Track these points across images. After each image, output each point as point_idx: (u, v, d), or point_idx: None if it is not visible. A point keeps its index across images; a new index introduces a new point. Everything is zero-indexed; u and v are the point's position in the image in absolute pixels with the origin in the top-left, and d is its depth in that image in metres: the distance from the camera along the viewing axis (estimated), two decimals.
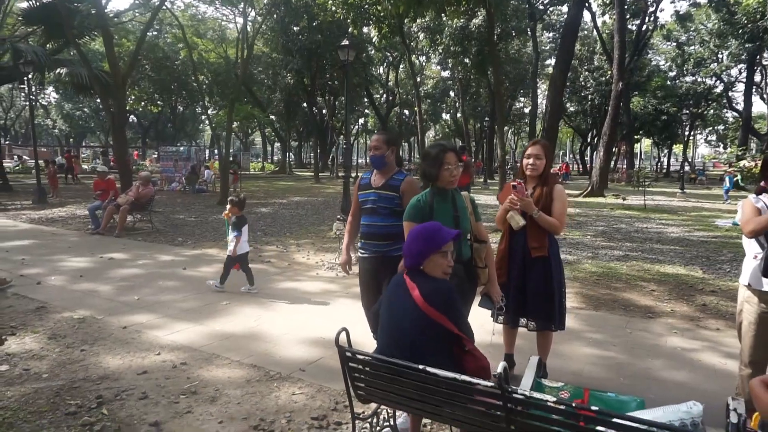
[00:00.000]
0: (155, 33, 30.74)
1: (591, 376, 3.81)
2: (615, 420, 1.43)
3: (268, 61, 37.99)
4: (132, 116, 45.79)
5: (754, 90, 37.79)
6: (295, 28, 31.95)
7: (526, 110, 48.45)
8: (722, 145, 57.76)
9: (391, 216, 3.36)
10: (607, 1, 29.85)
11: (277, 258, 8.01)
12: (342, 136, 33.64)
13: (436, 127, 59.75)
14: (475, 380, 1.73)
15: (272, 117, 45.21)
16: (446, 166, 2.83)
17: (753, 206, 2.78)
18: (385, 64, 46.57)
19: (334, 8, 17.54)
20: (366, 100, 44.37)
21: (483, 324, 3.78)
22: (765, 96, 42.40)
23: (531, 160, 3.39)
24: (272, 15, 30.40)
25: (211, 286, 5.97)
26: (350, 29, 19.97)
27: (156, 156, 28.33)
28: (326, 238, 9.86)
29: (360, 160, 55.10)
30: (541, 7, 33.32)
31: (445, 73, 45.15)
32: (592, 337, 4.64)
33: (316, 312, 5.27)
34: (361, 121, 53.50)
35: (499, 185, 15.75)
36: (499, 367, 1.66)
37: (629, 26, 30.77)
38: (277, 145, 62.98)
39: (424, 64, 47.49)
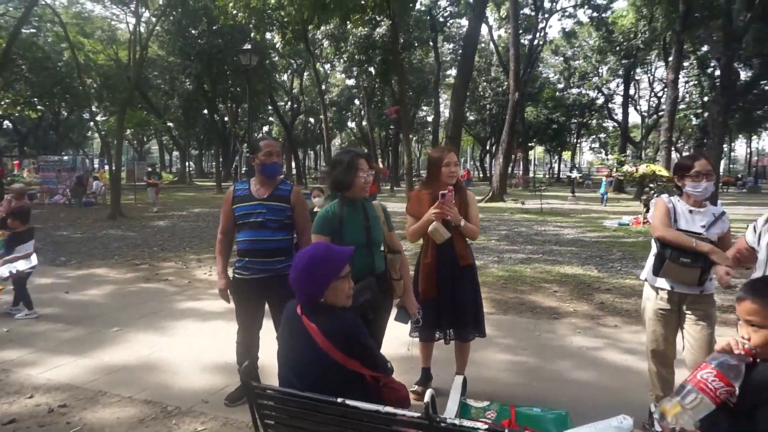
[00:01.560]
0: (33, 30, 27.92)
1: (506, 383, 3.82)
2: None
3: (164, 65, 36.00)
4: (6, 122, 41.28)
5: (630, 102, 41.64)
6: (193, 31, 30.57)
7: (429, 119, 49.97)
8: (604, 152, 63.03)
9: (281, 230, 3.15)
10: (503, 16, 31.55)
11: (176, 275, 7.43)
12: (245, 144, 32.60)
13: (342, 135, 59.84)
14: (400, 412, 1.58)
15: (170, 124, 42.86)
16: (360, 173, 2.67)
17: (665, 206, 2.89)
18: (289, 71, 45.86)
19: (235, 11, 16.92)
20: (270, 107, 43.41)
21: (398, 336, 3.67)
22: (638, 108, 47.13)
23: (452, 168, 3.29)
24: (168, 16, 28.84)
25: (22, 317, 5.22)
26: (252, 34, 19.39)
27: (35, 166, 25.64)
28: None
29: None
30: (441, 19, 34.51)
31: (350, 81, 45.36)
32: (503, 342, 4.69)
33: (219, 334, 4.83)
34: (265, 128, 52.31)
35: (407, 192, 15.91)
36: (427, 395, 1.52)
37: (522, 41, 32.70)
38: (175, 153, 59.79)
39: (329, 71, 47.38)
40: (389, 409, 1.58)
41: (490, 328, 4.97)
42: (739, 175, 47.12)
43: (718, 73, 35.94)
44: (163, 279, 7.17)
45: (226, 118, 40.76)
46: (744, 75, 25.87)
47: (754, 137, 54.19)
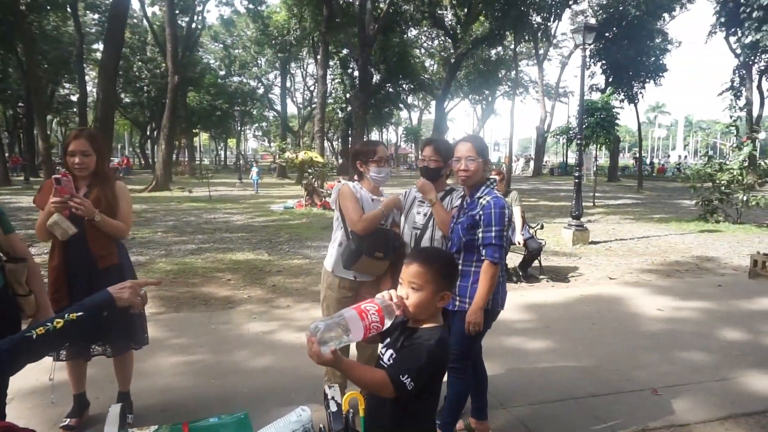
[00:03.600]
0: None
1: (180, 387, 3.50)
2: None
3: None
4: None
5: (287, 93, 44.64)
6: None
7: (74, 98, 42.99)
8: (267, 140, 66.23)
9: None
10: None
11: None
12: None
13: None
14: None
15: None
16: None
17: (354, 195, 2.87)
18: None
19: None
20: None
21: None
22: (294, 99, 51.07)
23: (77, 158, 2.70)
24: None
25: None
26: None
27: None
28: None
29: None
30: None
31: None
32: (176, 342, 4.31)
33: None
34: None
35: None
36: None
37: (180, 22, 31.14)
38: None
39: None
40: None
41: (161, 329, 4.53)
42: None
43: (357, 73, 41.99)
44: None
45: None
46: (375, 78, 30.89)
47: (384, 130, 65.42)
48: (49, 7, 27.60)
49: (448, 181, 3.17)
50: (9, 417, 2.66)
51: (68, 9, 28.13)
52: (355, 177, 3.05)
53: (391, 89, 38.23)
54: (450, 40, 29.57)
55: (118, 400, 3.05)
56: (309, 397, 3.27)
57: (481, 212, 2.55)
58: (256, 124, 61.78)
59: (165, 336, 4.42)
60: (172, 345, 4.24)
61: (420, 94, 48.60)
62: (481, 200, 2.59)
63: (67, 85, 41.91)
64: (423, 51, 40.11)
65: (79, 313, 1.43)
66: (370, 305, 1.49)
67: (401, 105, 45.95)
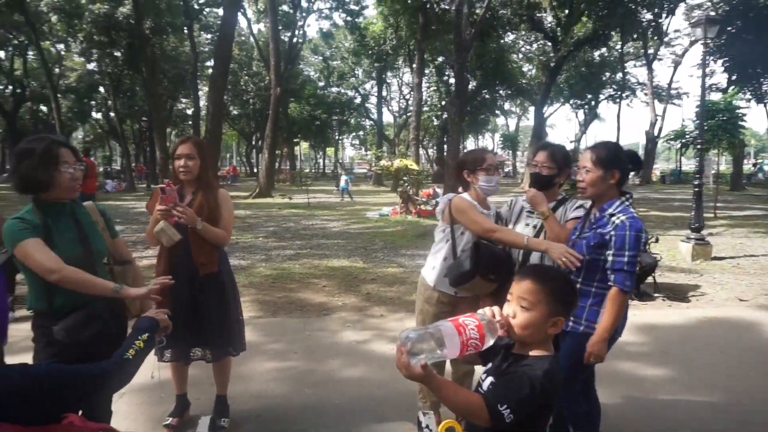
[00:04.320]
0: None
1: (275, 394, 3.51)
2: None
3: None
4: None
5: (383, 102, 45.41)
6: None
7: (189, 111, 46.73)
8: (363, 148, 67.75)
9: None
10: (261, 9, 31.09)
11: None
12: None
13: (85, 127, 52.01)
14: None
15: None
16: (63, 167, 1.99)
17: (472, 205, 2.66)
18: (10, 48, 37.68)
19: None
20: None
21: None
22: (390, 108, 51.79)
23: (182, 161, 2.79)
24: None
25: None
26: None
27: None
28: None
29: None
30: (196, 6, 32.40)
31: (91, 66, 39.46)
32: (272, 348, 4.36)
33: None
34: None
35: None
36: None
37: (282, 37, 32.78)
38: None
39: (62, 52, 40.45)
40: None
41: (258, 334, 4.63)
42: None
43: (452, 80, 41.74)
44: None
45: None
46: (471, 84, 30.45)
47: (480, 137, 64.45)
48: (169, 30, 30.23)
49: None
50: (118, 412, 2.78)
51: (185, 31, 30.67)
52: (459, 188, 2.87)
53: (487, 95, 37.55)
54: (549, 43, 28.42)
55: (216, 404, 3.10)
56: (402, 414, 3.14)
57: (613, 232, 2.27)
58: (353, 133, 63.34)
59: (262, 340, 4.49)
60: (268, 350, 4.30)
61: (518, 100, 47.30)
62: (614, 218, 2.30)
63: (183, 100, 45.68)
64: (521, 56, 39.03)
65: (146, 335, 1.75)
66: (469, 320, 1.33)
67: (498, 111, 44.98)
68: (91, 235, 2.15)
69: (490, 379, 1.46)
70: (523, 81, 38.24)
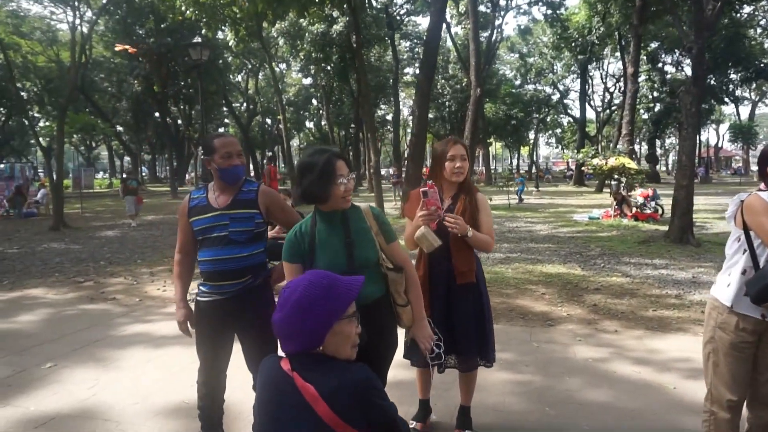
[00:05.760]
0: None
1: (514, 410, 3.31)
2: None
3: (111, 67, 34.28)
4: None
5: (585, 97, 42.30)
6: (140, 30, 29.14)
7: (388, 117, 49.57)
8: (560, 146, 64.20)
9: (252, 242, 2.49)
10: (461, 12, 31.41)
11: (125, 293, 6.61)
12: (200, 147, 31.26)
13: (300, 135, 58.73)
14: None
15: (119, 128, 40.95)
16: (340, 179, 2.02)
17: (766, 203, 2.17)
18: (243, 71, 44.53)
19: (183, 7, 15.91)
20: (225, 108, 42.07)
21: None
22: (592, 103, 48.01)
23: (457, 163, 2.70)
24: (112, 15, 27.35)
25: None
26: (203, 31, 18.42)
27: None
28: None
29: None
30: (398, 17, 34.14)
31: (307, 81, 44.40)
32: (501, 357, 4.14)
33: (175, 364, 4.14)
34: (221, 130, 50.73)
35: (376, 192, 15.29)
36: None
37: (479, 37, 32.68)
38: (127, 159, 57.31)
39: (284, 71, 46.27)
40: None
41: None
42: None
43: (668, 68, 36.93)
44: (110, 298, 6.35)
45: (179, 121, 39.20)
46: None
47: (701, 130, 56.21)
48: (374, 42, 32.35)
49: None
50: None
51: (388, 41, 32.52)
52: (761, 186, 2.32)
53: (713, 81, 32.50)
54: None
55: (459, 414, 3.03)
56: None
57: None
58: (549, 131, 60.45)
59: None
60: (498, 358, 4.09)
61: (754, 84, 40.08)
62: None
63: (383, 107, 48.60)
64: (759, 30, 32.96)
65: None
66: None
67: (726, 99, 38.63)
68: (357, 241, 2.11)
69: None
70: (764, 61, 32.22)
